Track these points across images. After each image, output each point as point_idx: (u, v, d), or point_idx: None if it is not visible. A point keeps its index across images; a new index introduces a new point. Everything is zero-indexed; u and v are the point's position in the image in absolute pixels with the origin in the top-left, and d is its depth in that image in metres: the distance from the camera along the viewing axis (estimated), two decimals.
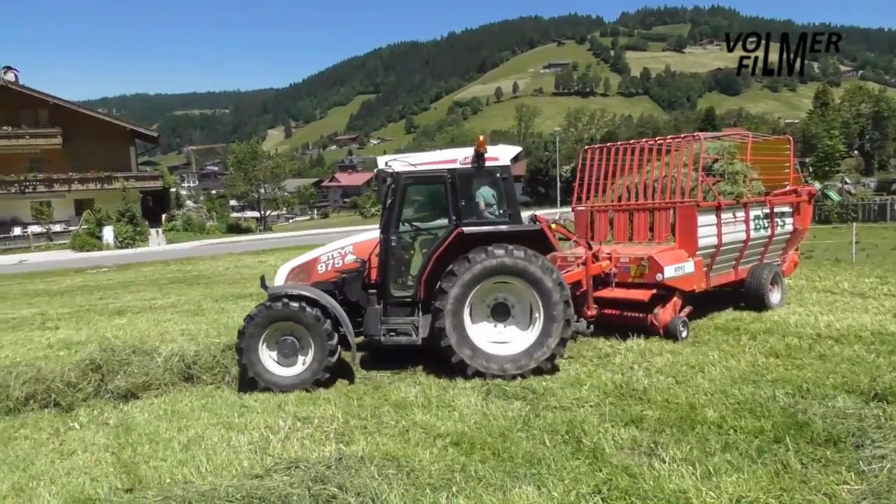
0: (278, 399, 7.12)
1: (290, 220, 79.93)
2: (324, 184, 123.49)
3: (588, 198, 11.14)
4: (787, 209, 11.22)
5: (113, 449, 5.98)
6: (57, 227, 44.92)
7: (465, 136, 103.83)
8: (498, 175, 7.93)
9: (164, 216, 49.59)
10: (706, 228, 9.56)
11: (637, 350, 8.45)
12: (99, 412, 7.09)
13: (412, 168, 7.97)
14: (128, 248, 38.86)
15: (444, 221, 7.94)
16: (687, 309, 9.44)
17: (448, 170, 7.82)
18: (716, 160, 10.61)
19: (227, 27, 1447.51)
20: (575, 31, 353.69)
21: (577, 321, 8.38)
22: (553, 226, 8.40)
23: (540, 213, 9.96)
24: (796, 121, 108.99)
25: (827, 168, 47.08)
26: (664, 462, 4.89)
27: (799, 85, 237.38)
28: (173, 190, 64.44)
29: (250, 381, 7.50)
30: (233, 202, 77.77)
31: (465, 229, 7.56)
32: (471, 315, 7.68)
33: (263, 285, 8.05)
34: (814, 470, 4.67)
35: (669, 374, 7.25)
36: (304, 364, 7.56)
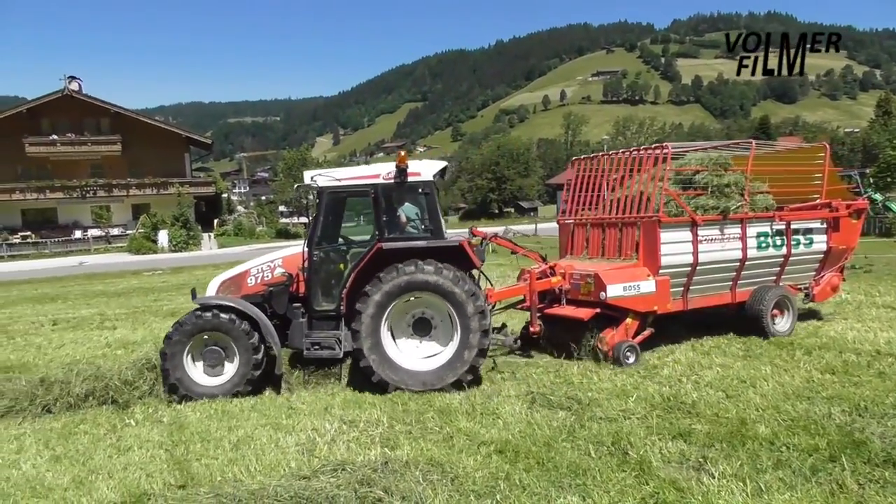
0: (325, 402, 7.24)
1: None
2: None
3: (574, 210, 10.57)
4: (815, 225, 10.09)
5: (167, 446, 6.18)
6: (115, 231, 46.69)
7: (512, 144, 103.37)
8: (420, 190, 7.95)
9: (215, 221, 50.98)
10: (674, 246, 8.88)
11: (685, 362, 8.30)
12: (153, 410, 7.32)
13: (336, 183, 8.03)
14: (181, 251, 40.05)
15: (367, 236, 8.18)
16: (645, 332, 8.86)
17: (371, 185, 7.88)
18: (697, 172, 9.58)
19: (279, 37, 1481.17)
20: (625, 39, 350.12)
21: (506, 334, 8.75)
22: (491, 240, 8.84)
23: (489, 228, 9.78)
24: (856, 130, 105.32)
25: (889, 179, 45.24)
26: (713, 477, 4.79)
27: (860, 93, 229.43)
28: (225, 196, 66.23)
29: (171, 386, 7.68)
30: (282, 208, 79.31)
31: (385, 245, 7.61)
32: (392, 331, 7.76)
33: (194, 296, 8.23)
34: (871, 491, 4.51)
35: (719, 388, 7.08)
36: (227, 375, 7.75)
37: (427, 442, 5.90)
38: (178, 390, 7.62)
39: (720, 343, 9.23)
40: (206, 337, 7.72)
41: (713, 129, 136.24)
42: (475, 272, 8.08)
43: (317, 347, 7.92)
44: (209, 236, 44.85)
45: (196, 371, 7.74)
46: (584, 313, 8.63)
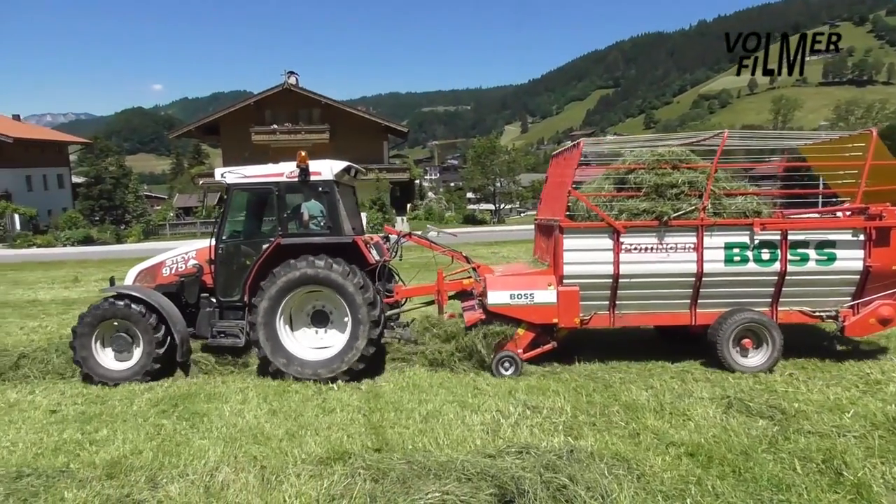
0: (509, 385, 7.38)
1: (522, 214, 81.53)
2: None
3: (539, 210, 9.65)
4: (840, 237, 7.86)
5: (364, 411, 6.70)
6: None
7: (714, 129, 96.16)
8: (320, 189, 8.18)
9: (408, 206, 53.74)
10: (583, 254, 7.91)
11: None
12: (353, 377, 7.96)
13: (243, 180, 8.31)
14: (377, 234, 42.84)
15: (269, 231, 8.46)
16: (546, 346, 8.14)
17: (274, 182, 8.17)
18: (631, 170, 8.24)
19: (471, 28, 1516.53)
20: (853, 11, 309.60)
21: (402, 327, 8.82)
22: (408, 238, 9.05)
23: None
24: None
25: None
26: None
27: None
28: (417, 181, 69.49)
29: (85, 376, 8.12)
30: (469, 194, 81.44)
31: (282, 241, 7.97)
32: (290, 323, 8.16)
33: (112, 284, 8.82)
34: None
35: None
36: (133, 361, 8.13)
37: (612, 436, 5.79)
38: (82, 368, 8.17)
39: None
40: (115, 324, 8.17)
41: None
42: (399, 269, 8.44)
43: (222, 336, 8.37)
44: (402, 220, 47.45)
45: (103, 355, 8.21)
46: (470, 318, 8.24)
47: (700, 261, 7.85)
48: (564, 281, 7.97)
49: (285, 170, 8.22)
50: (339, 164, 8.54)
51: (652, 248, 7.90)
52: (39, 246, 39.57)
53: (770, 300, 8.07)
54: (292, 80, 51.74)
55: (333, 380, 7.80)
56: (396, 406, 6.80)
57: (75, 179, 60.22)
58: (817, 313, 8.09)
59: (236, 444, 5.87)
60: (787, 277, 7.90)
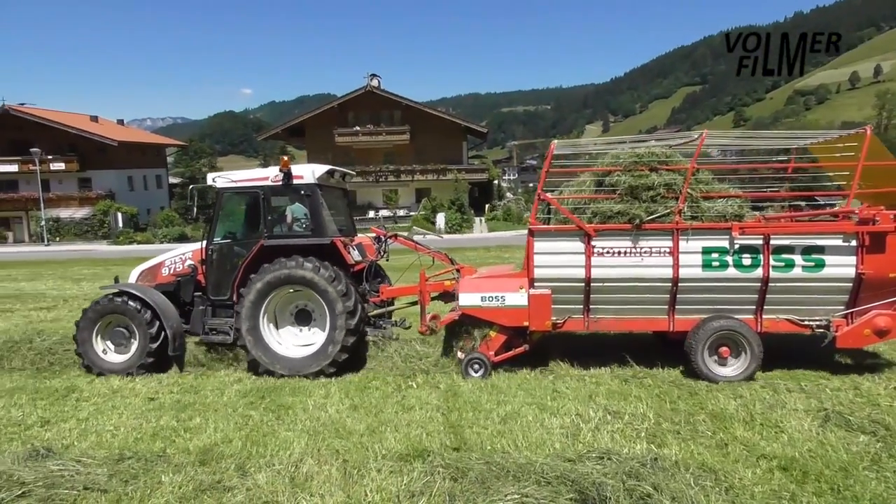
0: (589, 389, 7.26)
1: None
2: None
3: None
4: (829, 242, 7.41)
5: (443, 410, 6.75)
6: (401, 212, 51.83)
7: (809, 128, 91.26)
8: (303, 192, 8.45)
9: (486, 206, 53.71)
10: (554, 257, 7.80)
11: None
12: (431, 376, 8.04)
13: (232, 184, 8.71)
14: (455, 233, 43.02)
15: (256, 233, 8.63)
16: (518, 349, 8.11)
17: (260, 186, 8.52)
18: (609, 172, 7.96)
19: (550, 27, 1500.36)
20: None
21: (384, 327, 8.99)
22: (394, 240, 9.32)
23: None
24: None
25: None
26: None
27: None
28: (496, 182, 69.31)
29: (87, 367, 8.61)
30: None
31: (266, 242, 8.33)
32: (275, 319, 8.56)
33: (116, 282, 9.27)
34: None
35: None
36: (129, 354, 8.60)
37: (698, 445, 5.59)
38: (83, 360, 8.65)
39: None
40: (112, 319, 8.61)
41: None
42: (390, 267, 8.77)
43: (213, 332, 8.77)
44: (480, 220, 47.51)
45: (101, 347, 8.68)
46: (445, 319, 8.38)
47: (676, 265, 7.61)
48: (536, 284, 7.92)
49: (270, 174, 8.59)
50: (322, 168, 8.81)
51: (625, 252, 7.71)
52: (139, 243, 42.17)
53: (754, 307, 7.72)
54: (374, 83, 52.84)
55: (320, 373, 8.11)
56: (475, 406, 6.81)
57: (172, 180, 63.74)
58: (807, 322, 7.67)
59: (319, 437, 6.04)
60: (770, 284, 7.54)
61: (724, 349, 7.58)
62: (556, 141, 8.29)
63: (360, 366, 8.54)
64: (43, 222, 46.97)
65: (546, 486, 4.47)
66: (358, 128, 52.73)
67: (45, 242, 45.35)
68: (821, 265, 7.45)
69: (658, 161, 7.85)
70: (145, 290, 8.83)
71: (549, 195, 8.09)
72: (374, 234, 9.66)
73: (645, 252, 7.66)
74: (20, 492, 4.80)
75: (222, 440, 6.03)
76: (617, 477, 4.49)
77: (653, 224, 7.59)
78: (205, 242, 8.91)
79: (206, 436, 6.16)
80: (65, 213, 50.07)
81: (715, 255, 7.56)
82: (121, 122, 68.92)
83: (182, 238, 42.69)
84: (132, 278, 9.47)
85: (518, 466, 4.85)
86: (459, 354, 8.18)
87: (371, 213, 51.97)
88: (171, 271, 9.29)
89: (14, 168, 51.40)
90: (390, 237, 9.53)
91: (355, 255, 8.82)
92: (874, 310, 7.45)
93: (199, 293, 9.04)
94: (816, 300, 7.63)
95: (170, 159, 66.60)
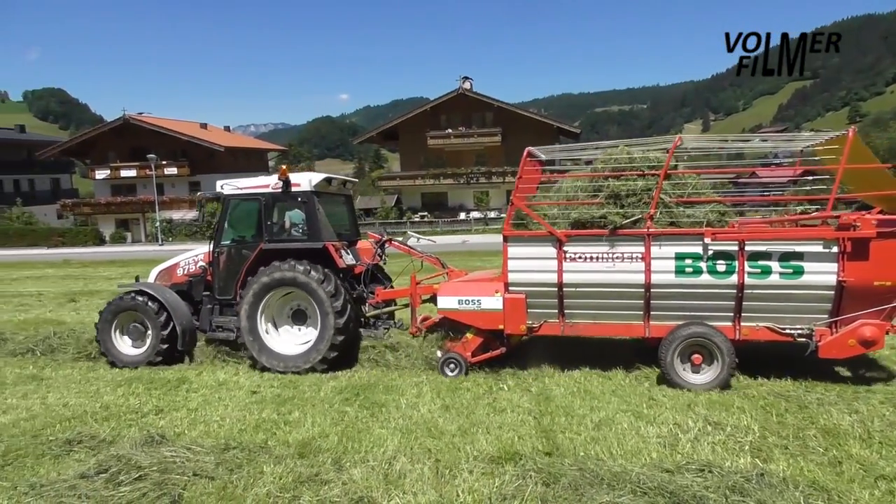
0: (688, 398, 6.98)
1: None
2: (741, 180, 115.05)
3: None
4: (808, 248, 7.06)
5: (535, 414, 6.68)
6: (492, 214, 51.85)
7: None
8: (300, 199, 8.95)
9: None
10: (527, 262, 7.91)
11: None
12: (522, 379, 7.99)
13: (237, 191, 9.28)
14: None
15: (257, 237, 9.13)
16: (495, 351, 8.31)
17: (261, 193, 9.07)
18: (579, 178, 8.24)
19: (649, 24, 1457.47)
20: None
21: (381, 328, 9.42)
22: (390, 244, 9.81)
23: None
24: None
25: None
26: None
27: None
28: None
29: (102, 353, 9.41)
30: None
31: (265, 246, 8.87)
32: (274, 319, 9.06)
33: (137, 280, 9.99)
34: None
35: None
36: (144, 347, 9.24)
37: (808, 462, 5.25)
38: (107, 356, 9.34)
39: None
40: (128, 314, 9.27)
41: None
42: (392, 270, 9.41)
43: (219, 329, 9.38)
44: None
45: (121, 342, 9.40)
46: (427, 322, 8.87)
47: (648, 271, 7.49)
48: (510, 288, 8.01)
49: (271, 182, 9.08)
50: (318, 176, 9.39)
51: (597, 258, 7.68)
52: None
53: (731, 314, 7.46)
54: (466, 85, 53.17)
55: (312, 370, 8.50)
56: (567, 411, 6.71)
57: None
58: (788, 331, 7.32)
59: (412, 435, 6.13)
60: (746, 291, 7.30)
61: (696, 356, 7.44)
62: (529, 148, 8.54)
63: (352, 364, 8.89)
64: (158, 223, 50.38)
65: (642, 496, 4.33)
66: (450, 130, 53.29)
67: (160, 242, 48.55)
68: (799, 272, 7.18)
69: (633, 167, 7.79)
70: (160, 288, 9.51)
71: (520, 201, 8.10)
72: (372, 239, 10.15)
73: (617, 258, 7.64)
74: (137, 475, 5.15)
75: (319, 434, 6.24)
76: (719, 491, 4.29)
77: (624, 230, 7.56)
78: (212, 245, 9.51)
79: (305, 430, 6.39)
80: (176, 214, 53.62)
81: (688, 262, 7.44)
82: (227, 128, 72.84)
83: None
84: (151, 277, 10.18)
85: (613, 475, 4.73)
86: (438, 353, 8.49)
87: (462, 215, 52.35)
88: (185, 272, 9.98)
89: (133, 173, 55.95)
90: (386, 241, 10.01)
91: (348, 259, 9.26)
92: (859, 319, 7.08)
93: (208, 293, 9.67)
94: (796, 308, 7.33)
95: (271, 163, 69.72)
